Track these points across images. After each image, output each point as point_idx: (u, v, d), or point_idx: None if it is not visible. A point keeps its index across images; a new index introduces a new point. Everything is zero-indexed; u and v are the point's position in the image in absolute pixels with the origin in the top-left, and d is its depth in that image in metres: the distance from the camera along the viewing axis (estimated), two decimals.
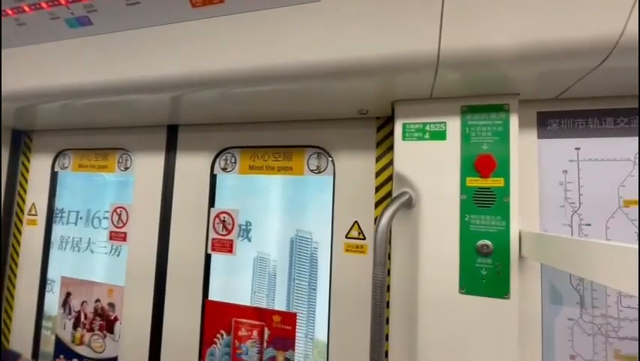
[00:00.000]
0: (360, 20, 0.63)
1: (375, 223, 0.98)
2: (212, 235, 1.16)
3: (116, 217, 1.29)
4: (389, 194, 0.97)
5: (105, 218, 1.34)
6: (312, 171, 1.08)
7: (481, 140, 0.77)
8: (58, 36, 0.80)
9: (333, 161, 1.05)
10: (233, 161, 1.17)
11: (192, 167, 1.19)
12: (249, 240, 1.19)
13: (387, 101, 0.86)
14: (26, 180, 1.42)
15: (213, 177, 1.18)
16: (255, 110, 1.01)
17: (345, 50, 0.66)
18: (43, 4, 0.74)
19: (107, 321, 1.27)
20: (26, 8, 0.75)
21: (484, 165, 0.76)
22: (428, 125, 0.81)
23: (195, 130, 1.20)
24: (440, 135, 0.80)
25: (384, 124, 1.00)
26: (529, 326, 0.75)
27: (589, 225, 0.75)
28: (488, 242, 0.74)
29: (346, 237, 1.00)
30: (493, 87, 0.75)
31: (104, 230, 1.34)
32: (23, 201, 1.41)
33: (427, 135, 0.81)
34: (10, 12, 0.77)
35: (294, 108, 0.98)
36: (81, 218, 1.42)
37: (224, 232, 1.15)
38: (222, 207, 1.16)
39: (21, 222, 1.40)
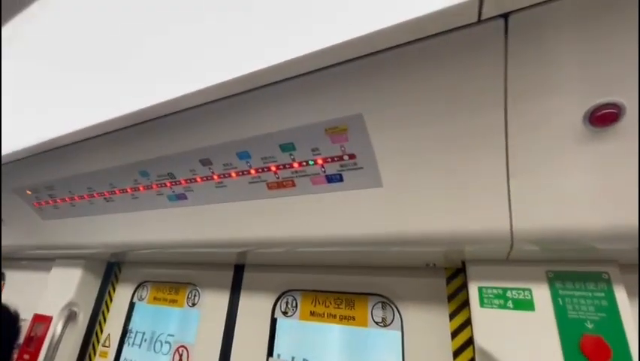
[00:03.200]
0: (422, 201, 0.65)
1: None
2: None
3: (177, 357, 1.28)
4: None
5: (167, 342, 1.34)
6: (376, 323, 1.00)
7: (583, 316, 0.65)
8: (158, 206, 0.96)
9: (400, 313, 0.96)
10: (294, 305, 1.15)
11: (255, 308, 1.19)
12: None
13: (458, 259, 0.82)
14: (108, 310, 1.54)
15: (273, 322, 1.15)
16: (318, 257, 1.03)
17: (409, 225, 0.67)
18: (155, 186, 0.91)
19: None
20: (141, 188, 0.94)
21: (594, 350, 0.62)
22: (509, 292, 0.73)
23: (260, 270, 1.24)
24: (526, 305, 0.70)
25: (454, 275, 0.93)
26: None
27: None
28: None
29: None
30: (583, 254, 0.67)
31: (163, 356, 1.33)
32: (101, 331, 1.51)
33: (509, 304, 0.72)
34: (129, 190, 0.97)
35: (358, 258, 0.98)
36: (145, 340, 1.44)
37: None
38: (281, 357, 1.09)
39: (95, 353, 1.47)
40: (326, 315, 1.08)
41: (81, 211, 1.14)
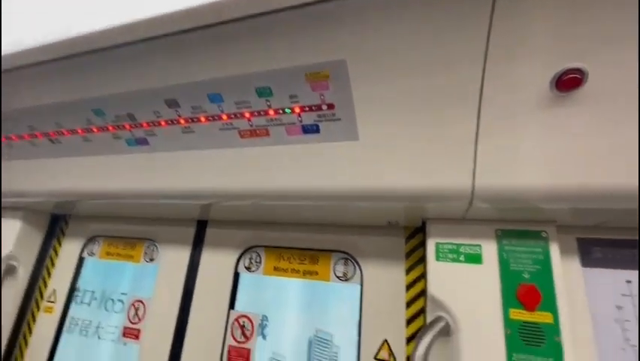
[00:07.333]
0: (395, 156, 0.67)
1: (406, 344, 0.91)
2: (230, 341, 1.08)
3: (132, 311, 1.25)
4: (422, 311, 0.91)
5: (120, 300, 1.30)
6: (338, 277, 1.05)
7: (522, 268, 0.74)
8: (115, 151, 0.88)
9: (360, 268, 1.02)
10: (258, 260, 1.16)
11: (217, 264, 1.18)
12: (264, 337, 1.11)
13: (418, 217, 0.87)
14: (53, 265, 1.44)
15: (236, 276, 1.16)
16: (283, 213, 1.04)
17: (381, 180, 0.69)
18: (111, 128, 0.83)
19: None
20: (94, 129, 0.85)
21: (527, 296, 0.71)
22: (462, 247, 0.79)
23: (224, 226, 1.22)
24: (475, 259, 0.78)
25: (414, 234, 0.99)
26: None
27: None
28: None
29: (375, 358, 0.92)
30: (528, 215, 0.74)
31: (116, 314, 1.29)
32: (45, 286, 1.41)
33: (461, 257, 0.79)
34: (80, 131, 0.87)
35: (323, 215, 1.00)
36: (96, 299, 1.38)
37: (243, 339, 1.08)
38: (243, 310, 1.11)
39: (38, 308, 1.38)
40: (290, 270, 1.11)
41: (20, 154, 1.01)
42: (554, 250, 0.73)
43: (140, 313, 1.23)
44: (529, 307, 0.71)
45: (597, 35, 0.48)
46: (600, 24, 0.47)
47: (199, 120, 0.74)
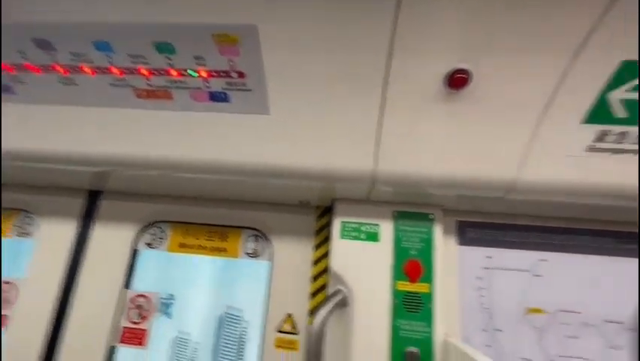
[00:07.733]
0: (304, 135, 0.67)
1: (308, 316, 0.95)
2: (124, 322, 0.99)
3: None
4: (325, 286, 0.96)
5: None
6: (248, 254, 1.03)
7: (410, 245, 0.83)
8: None
9: (271, 245, 1.02)
10: (161, 236, 1.07)
11: (111, 240, 1.05)
12: (169, 316, 1.06)
13: (328, 197, 0.90)
14: None
15: (134, 254, 1.05)
16: (192, 186, 0.97)
17: (291, 157, 0.69)
18: None
19: None
20: None
21: (412, 269, 0.81)
22: (364, 226, 0.85)
23: (121, 198, 1.09)
24: (374, 237, 0.84)
25: (324, 213, 1.03)
26: None
27: (500, 331, 0.83)
28: (415, 349, 0.76)
29: (278, 331, 0.94)
30: (420, 198, 0.83)
31: None
32: None
33: (362, 236, 0.85)
34: None
35: (234, 191, 0.96)
36: None
37: (139, 320, 1.00)
38: (140, 290, 1.02)
39: None
40: (197, 247, 1.05)
41: None
42: (438, 231, 0.84)
43: (11, 296, 1.04)
44: (413, 279, 0.80)
45: (483, 40, 0.54)
46: (487, 30, 0.52)
47: (82, 70, 0.62)
